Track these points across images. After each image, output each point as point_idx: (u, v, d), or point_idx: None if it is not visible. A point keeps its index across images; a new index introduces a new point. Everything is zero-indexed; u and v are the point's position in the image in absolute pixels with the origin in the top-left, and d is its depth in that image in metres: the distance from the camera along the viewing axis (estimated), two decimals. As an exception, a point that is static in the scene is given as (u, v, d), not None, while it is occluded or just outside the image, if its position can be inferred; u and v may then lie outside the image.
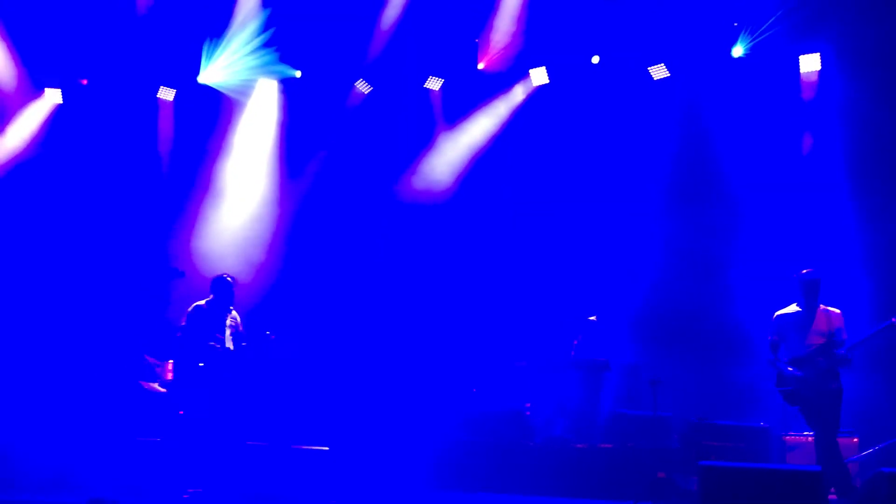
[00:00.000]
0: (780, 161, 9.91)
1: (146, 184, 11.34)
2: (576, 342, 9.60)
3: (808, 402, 7.22)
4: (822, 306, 7.32)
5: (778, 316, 7.46)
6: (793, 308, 7.43)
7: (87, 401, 9.18)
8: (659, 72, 10.44)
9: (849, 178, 9.57)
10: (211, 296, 8.40)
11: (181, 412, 8.87)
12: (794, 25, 9.81)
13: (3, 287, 10.78)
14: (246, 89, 11.48)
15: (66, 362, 10.09)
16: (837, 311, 7.31)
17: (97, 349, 10.13)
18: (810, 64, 9.99)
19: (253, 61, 11.20)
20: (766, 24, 9.89)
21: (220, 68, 11.25)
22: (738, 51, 10.16)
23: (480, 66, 10.97)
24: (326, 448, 8.02)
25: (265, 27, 10.99)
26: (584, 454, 8.56)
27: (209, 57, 11.17)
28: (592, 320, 9.58)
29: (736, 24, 10.09)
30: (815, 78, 9.99)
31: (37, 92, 11.47)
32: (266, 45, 11.09)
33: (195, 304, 8.34)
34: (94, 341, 10.28)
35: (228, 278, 8.55)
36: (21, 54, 11.20)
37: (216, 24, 11.00)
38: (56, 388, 9.70)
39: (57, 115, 11.53)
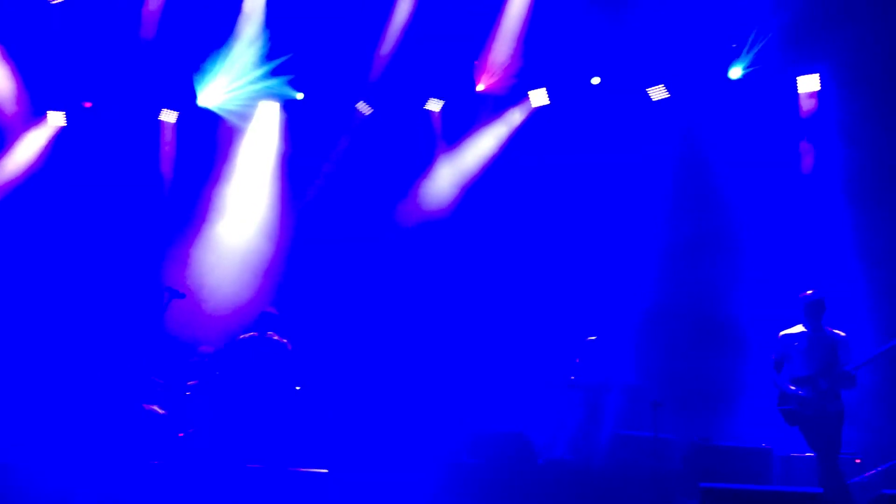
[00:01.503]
0: (779, 181, 9.93)
1: (148, 206, 11.39)
2: (576, 362, 9.58)
3: (809, 422, 7.20)
4: (828, 329, 7.31)
5: (782, 336, 7.47)
6: (798, 329, 7.44)
7: (87, 423, 9.18)
8: (658, 93, 10.48)
9: (848, 196, 9.57)
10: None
11: (181, 434, 8.87)
12: (792, 46, 9.85)
13: (7, 304, 10.80)
14: (247, 112, 11.54)
15: (65, 384, 10.10)
16: (843, 333, 7.30)
17: (98, 370, 10.14)
18: (808, 84, 10.03)
19: (254, 84, 11.28)
20: (763, 45, 9.94)
21: (221, 91, 11.32)
22: (735, 72, 10.20)
23: (480, 87, 11.04)
24: (326, 470, 7.99)
25: (266, 50, 11.07)
26: (585, 475, 8.52)
27: (210, 80, 11.25)
28: (592, 340, 9.56)
29: (734, 46, 10.13)
30: (813, 98, 10.01)
31: (40, 115, 11.56)
32: (267, 67, 11.17)
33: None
34: (95, 362, 10.29)
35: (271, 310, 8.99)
36: (24, 77, 11.29)
37: (218, 47, 11.08)
38: (56, 409, 9.70)
39: (60, 137, 11.61)
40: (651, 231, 10.30)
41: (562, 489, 8.50)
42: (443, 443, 9.16)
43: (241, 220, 11.43)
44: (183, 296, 9.14)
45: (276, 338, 8.92)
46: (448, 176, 11.23)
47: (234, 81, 11.27)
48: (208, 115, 11.49)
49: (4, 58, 11.18)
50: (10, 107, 11.35)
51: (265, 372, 8.77)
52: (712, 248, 10.03)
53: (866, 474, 8.04)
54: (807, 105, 10.06)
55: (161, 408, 9.19)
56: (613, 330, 9.73)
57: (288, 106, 11.57)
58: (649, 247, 10.22)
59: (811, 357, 7.24)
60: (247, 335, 8.95)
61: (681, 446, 8.31)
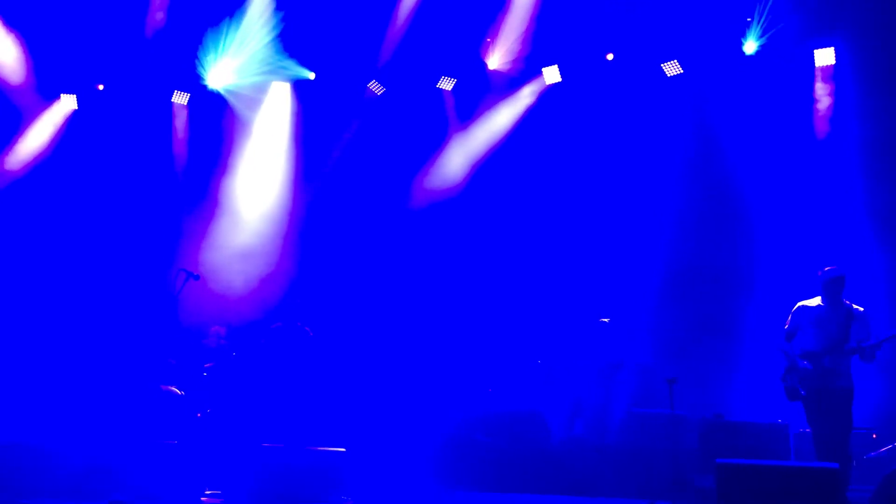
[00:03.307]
0: (794, 156, 9.85)
1: (161, 187, 11.42)
2: (590, 342, 9.58)
3: (808, 399, 7.10)
4: (847, 303, 7.17)
5: (799, 307, 7.28)
6: (815, 301, 7.25)
7: (106, 404, 9.27)
8: (672, 69, 10.39)
9: (864, 173, 9.49)
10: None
11: (199, 415, 8.94)
12: (807, 20, 9.73)
13: (24, 287, 10.88)
14: (260, 92, 11.53)
15: (84, 365, 10.20)
16: (861, 308, 7.16)
17: (115, 352, 10.23)
18: (824, 58, 9.92)
19: (266, 64, 11.25)
20: (778, 19, 9.82)
21: (233, 71, 11.31)
22: (750, 47, 10.10)
23: (493, 65, 10.97)
24: (343, 449, 8.04)
25: (278, 29, 11.03)
26: (601, 454, 8.55)
27: (222, 60, 11.23)
28: (605, 321, 9.55)
29: (749, 20, 10.02)
30: (829, 72, 9.90)
31: (52, 97, 11.58)
32: (279, 47, 11.14)
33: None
34: (112, 344, 10.37)
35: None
36: (36, 60, 11.30)
37: (229, 27, 11.05)
38: (74, 391, 9.79)
39: (72, 119, 11.64)
40: (665, 208, 10.26)
41: (577, 467, 8.53)
42: (458, 421, 9.20)
43: (254, 201, 11.44)
44: (197, 277, 9.19)
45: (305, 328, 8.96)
46: (461, 154, 11.19)
47: (245, 62, 11.23)
48: (220, 96, 11.48)
49: (17, 40, 11.18)
50: (21, 89, 11.35)
51: (287, 357, 8.83)
52: (727, 225, 9.99)
53: (882, 449, 8.03)
54: (822, 79, 9.95)
55: (179, 389, 9.26)
56: (628, 308, 9.72)
57: (299, 85, 11.54)
58: (663, 224, 10.18)
59: (822, 332, 7.09)
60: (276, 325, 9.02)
61: (696, 423, 8.31)
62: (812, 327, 7.15)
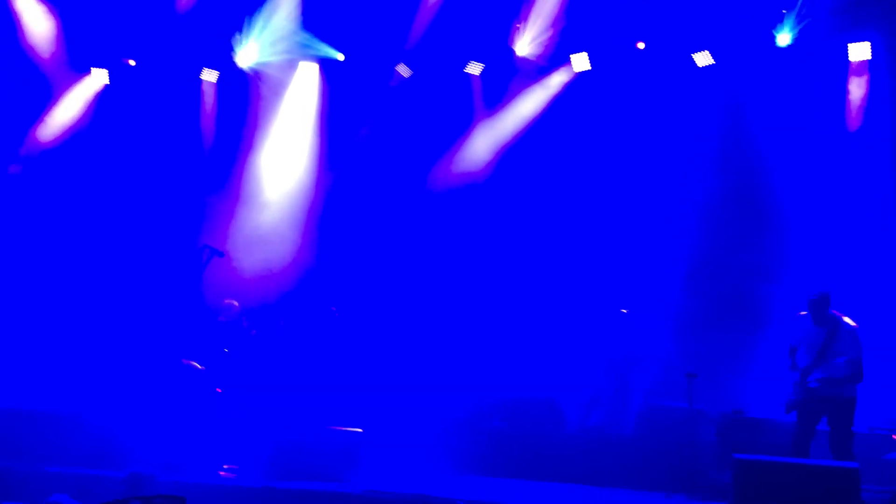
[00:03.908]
0: (825, 151, 9.71)
1: (187, 163, 11.49)
2: (610, 333, 9.55)
3: (801, 412, 7.18)
4: (837, 318, 7.18)
5: (799, 318, 7.42)
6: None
7: (129, 376, 9.40)
8: (703, 59, 10.27)
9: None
10: None
11: (218, 390, 9.03)
12: (843, 13, 9.56)
13: (48, 260, 11.01)
14: (288, 71, 11.54)
15: (108, 337, 10.33)
16: (853, 324, 7.19)
17: (139, 326, 10.34)
18: (859, 53, 9.75)
19: (295, 43, 11.26)
20: (813, 11, 9.66)
21: (262, 50, 11.33)
22: (784, 39, 9.94)
23: (521, 51, 10.89)
24: (360, 430, 8.10)
25: (306, 9, 11.02)
26: (618, 445, 8.54)
27: (252, 39, 11.25)
28: (624, 313, 9.51)
29: (784, 12, 9.87)
30: (863, 67, 9.74)
31: (83, 72, 11.67)
32: (307, 27, 11.14)
33: None
34: (136, 318, 10.49)
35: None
36: (68, 33, 11.37)
37: (259, 6, 11.06)
38: (99, 363, 9.93)
39: (103, 94, 11.73)
40: (691, 200, 10.16)
41: (592, 457, 8.54)
42: (474, 406, 9.22)
43: (279, 181, 11.49)
44: (222, 254, 9.25)
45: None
46: (486, 140, 11.15)
47: (274, 41, 11.25)
48: (249, 74, 11.50)
49: (50, 13, 11.27)
50: (53, 62, 11.44)
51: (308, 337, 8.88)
52: (754, 218, 9.87)
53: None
54: (856, 74, 9.79)
55: (199, 363, 9.34)
56: (649, 299, 9.67)
57: (328, 66, 11.54)
58: (688, 216, 10.08)
59: (809, 349, 7.22)
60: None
61: (715, 418, 8.27)
62: (803, 343, 7.31)
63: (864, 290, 8.67)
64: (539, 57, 10.90)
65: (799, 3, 9.75)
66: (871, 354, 7.24)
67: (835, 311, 7.17)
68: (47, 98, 11.61)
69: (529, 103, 11.05)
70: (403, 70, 11.29)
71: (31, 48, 11.24)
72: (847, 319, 7.19)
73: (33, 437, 7.83)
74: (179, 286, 10.33)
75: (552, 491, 7.67)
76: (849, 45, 9.76)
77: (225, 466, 7.86)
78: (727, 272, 9.75)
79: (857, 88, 9.79)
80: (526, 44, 10.85)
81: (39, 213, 11.28)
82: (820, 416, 7.19)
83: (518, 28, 10.82)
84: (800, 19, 9.79)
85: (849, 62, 9.83)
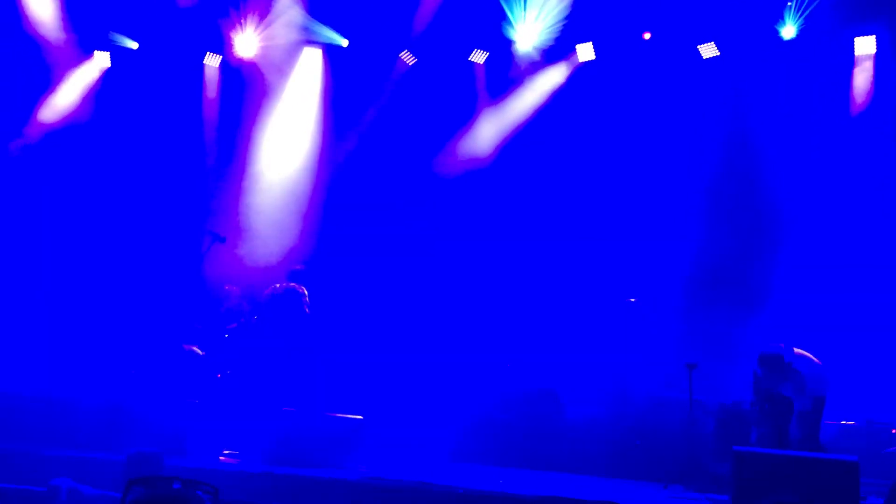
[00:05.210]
0: (830, 145, 9.70)
1: (189, 148, 11.46)
2: (609, 322, 9.56)
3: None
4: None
5: None
6: None
7: (130, 359, 9.41)
8: (708, 50, 10.24)
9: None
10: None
11: (219, 375, 9.04)
12: (848, 6, 9.53)
13: (49, 243, 10.99)
14: (291, 57, 11.50)
15: (109, 322, 10.33)
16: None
17: (140, 309, 10.34)
18: (865, 47, 9.72)
19: (298, 29, 11.22)
20: (818, 3, 9.62)
21: (265, 35, 11.28)
22: (789, 31, 9.91)
23: (526, 41, 10.83)
24: (361, 417, 8.11)
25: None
26: (617, 435, 8.56)
27: (255, 24, 11.21)
28: (632, 301, 9.51)
29: (789, 4, 9.83)
30: (869, 61, 9.71)
31: (86, 55, 11.62)
32: (311, 12, 11.09)
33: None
34: (137, 301, 10.49)
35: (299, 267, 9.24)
36: (72, 16, 11.31)
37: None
38: (101, 346, 9.94)
39: (105, 77, 11.69)
40: (695, 191, 10.15)
41: (592, 447, 8.56)
42: (475, 397, 9.24)
43: (283, 166, 11.47)
44: (223, 239, 9.25)
45: (294, 286, 8.97)
46: (490, 129, 11.12)
47: (277, 26, 11.20)
48: (251, 60, 11.46)
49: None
50: (56, 44, 11.39)
51: (290, 322, 8.84)
52: (757, 210, 9.87)
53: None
54: (863, 67, 9.77)
55: (200, 349, 9.36)
56: (650, 290, 9.67)
57: (331, 52, 11.50)
58: (693, 208, 10.08)
59: None
60: (275, 288, 9.01)
61: (714, 409, 8.29)
62: None
63: (867, 283, 8.67)
64: (543, 47, 10.85)
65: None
66: (871, 347, 7.30)
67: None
68: (49, 80, 11.56)
69: (533, 92, 11.02)
70: (407, 57, 11.24)
71: (35, 30, 11.18)
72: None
73: (35, 421, 7.84)
74: (181, 271, 10.34)
75: (550, 480, 7.69)
76: (855, 38, 9.73)
77: (225, 452, 7.87)
78: (729, 263, 9.75)
79: (862, 81, 9.76)
80: (531, 33, 10.80)
81: (42, 197, 11.25)
82: None
83: (524, 16, 10.75)
84: (803, 12, 9.75)
85: (854, 55, 9.82)
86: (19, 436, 7.67)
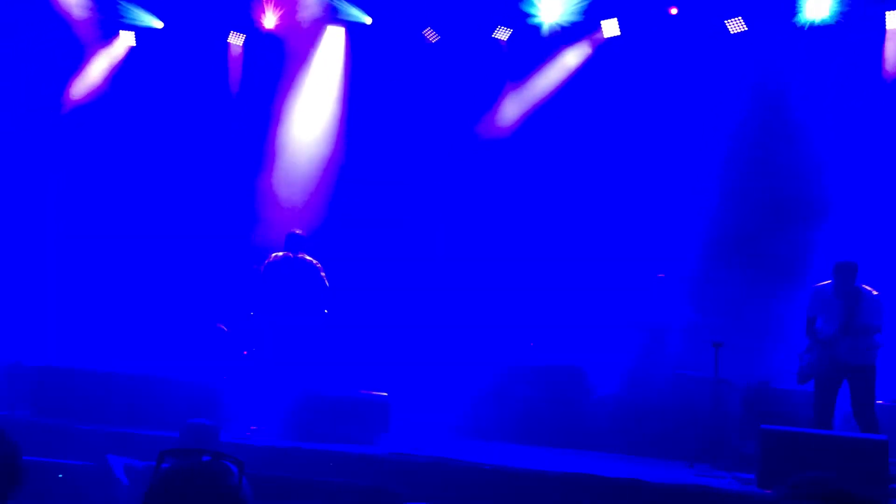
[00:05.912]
0: (860, 122, 9.53)
1: (216, 126, 11.50)
2: (635, 300, 9.51)
3: (820, 380, 7.23)
4: (858, 286, 7.17)
5: (814, 290, 7.42)
6: (826, 284, 7.38)
7: (163, 336, 9.51)
8: (736, 25, 10.09)
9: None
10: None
11: (245, 353, 9.12)
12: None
13: (77, 220, 11.09)
14: (314, 35, 11.48)
15: (141, 300, 10.43)
16: (875, 292, 7.16)
17: (171, 289, 10.43)
18: (897, 21, 9.55)
19: (324, 5, 11.19)
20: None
21: (290, 13, 11.26)
22: (820, 9, 9.71)
23: (549, 16, 10.73)
24: (385, 394, 8.16)
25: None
26: (642, 413, 8.56)
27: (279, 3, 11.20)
28: (661, 277, 9.44)
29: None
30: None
31: (112, 34, 11.68)
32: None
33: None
34: (168, 282, 10.57)
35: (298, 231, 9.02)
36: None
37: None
38: (136, 324, 10.05)
39: (130, 56, 11.75)
40: (720, 167, 10.04)
41: (617, 425, 8.56)
42: (498, 374, 9.25)
43: (303, 145, 11.48)
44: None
45: (307, 258, 8.99)
46: (513, 106, 11.06)
47: (303, 4, 11.18)
48: (275, 38, 11.46)
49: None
50: (83, 23, 11.44)
51: (298, 292, 8.85)
52: (784, 187, 9.75)
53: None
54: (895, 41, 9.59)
55: (225, 326, 9.44)
56: (678, 268, 9.60)
57: (354, 30, 11.46)
58: (718, 183, 9.97)
59: (829, 316, 7.23)
60: (277, 255, 9.01)
61: (741, 388, 8.25)
62: (822, 311, 7.32)
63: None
64: (568, 23, 10.75)
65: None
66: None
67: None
68: (78, 59, 11.63)
69: (558, 69, 10.93)
70: (430, 35, 11.18)
71: (63, 8, 11.23)
72: (868, 288, 7.18)
73: (67, 395, 7.92)
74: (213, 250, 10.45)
75: (576, 458, 7.71)
76: (886, 13, 9.55)
77: (252, 427, 7.95)
78: (757, 240, 9.65)
79: (893, 55, 9.59)
80: (555, 9, 10.70)
81: (74, 172, 11.35)
82: (839, 386, 7.22)
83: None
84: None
85: (885, 29, 9.64)
86: (75, 412, 7.69)
